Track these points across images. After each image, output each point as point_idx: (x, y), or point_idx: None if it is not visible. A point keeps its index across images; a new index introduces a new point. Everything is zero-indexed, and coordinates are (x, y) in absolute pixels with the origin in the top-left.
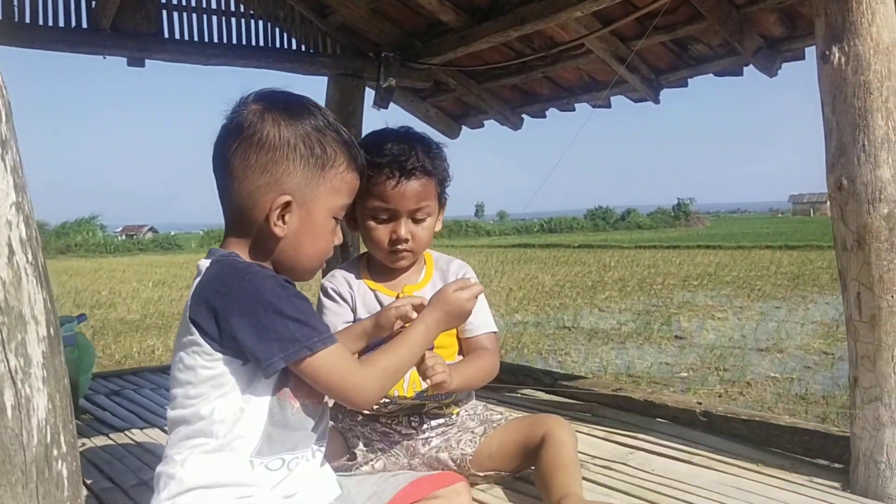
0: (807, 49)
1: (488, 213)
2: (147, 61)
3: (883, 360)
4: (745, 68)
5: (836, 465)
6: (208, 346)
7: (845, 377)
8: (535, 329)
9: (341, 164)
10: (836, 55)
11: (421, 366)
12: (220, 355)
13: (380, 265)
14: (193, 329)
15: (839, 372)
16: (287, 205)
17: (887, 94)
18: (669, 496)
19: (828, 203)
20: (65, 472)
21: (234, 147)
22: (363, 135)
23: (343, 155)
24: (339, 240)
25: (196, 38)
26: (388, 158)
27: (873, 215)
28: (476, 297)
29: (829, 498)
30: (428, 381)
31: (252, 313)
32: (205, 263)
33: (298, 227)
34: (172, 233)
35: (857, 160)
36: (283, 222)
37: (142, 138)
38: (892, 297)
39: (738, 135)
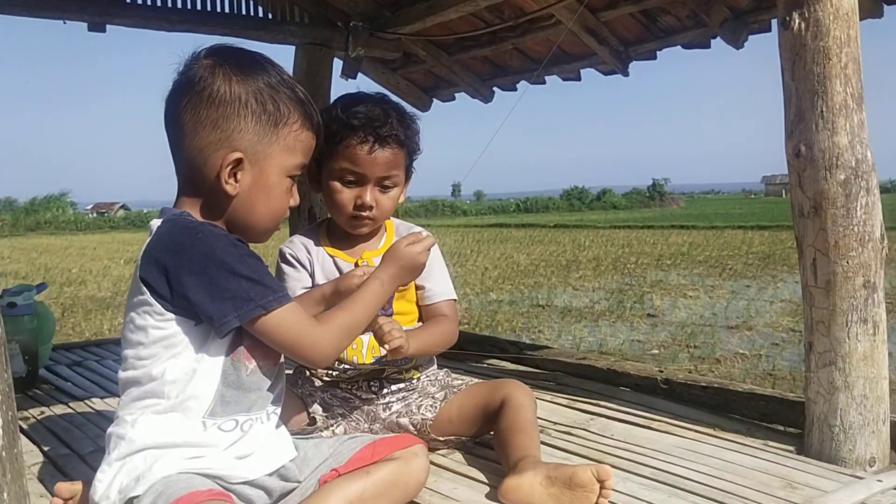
0: (773, 21)
1: (465, 193)
2: (108, 27)
3: (837, 325)
4: (712, 41)
5: (792, 430)
6: (159, 306)
7: None
8: (509, 307)
9: (295, 121)
10: (797, 21)
11: (378, 331)
12: (171, 315)
13: (339, 232)
14: (144, 289)
15: None
16: (238, 162)
17: (846, 60)
18: (627, 460)
19: None
20: None
21: (185, 103)
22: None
23: (297, 112)
24: (294, 201)
25: (159, 4)
26: (362, 122)
27: (830, 182)
28: (428, 250)
29: (783, 461)
30: (386, 346)
31: (204, 272)
32: (156, 223)
33: (251, 186)
34: (145, 210)
35: (815, 126)
36: (235, 180)
37: (112, 112)
38: (847, 262)
39: (713, 115)
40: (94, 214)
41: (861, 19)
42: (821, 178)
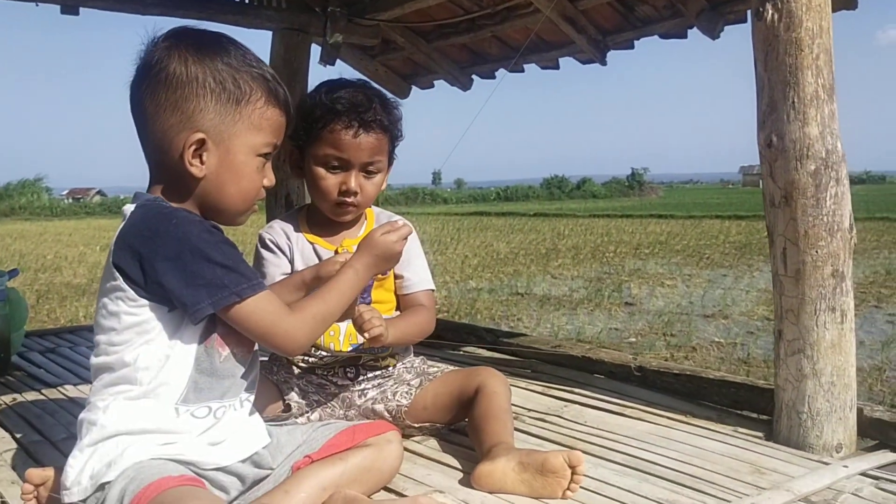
0: (749, 11)
1: (446, 181)
2: (82, 10)
3: (806, 313)
4: (689, 31)
5: (762, 417)
6: (132, 292)
7: None
8: (488, 295)
9: (259, 98)
10: (770, 12)
11: (358, 319)
12: (145, 301)
13: (320, 218)
14: (117, 274)
15: None
16: (202, 143)
17: (818, 51)
18: (600, 446)
19: None
20: None
21: (145, 87)
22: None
23: (261, 90)
24: (269, 181)
25: None
26: (346, 107)
27: (801, 172)
28: (405, 239)
29: (752, 447)
30: (366, 334)
31: (179, 258)
32: (129, 208)
33: (218, 167)
34: (121, 196)
35: (787, 117)
36: (201, 162)
37: (89, 96)
38: (817, 252)
39: (692, 106)
40: (70, 200)
41: (835, 10)
42: (791, 169)
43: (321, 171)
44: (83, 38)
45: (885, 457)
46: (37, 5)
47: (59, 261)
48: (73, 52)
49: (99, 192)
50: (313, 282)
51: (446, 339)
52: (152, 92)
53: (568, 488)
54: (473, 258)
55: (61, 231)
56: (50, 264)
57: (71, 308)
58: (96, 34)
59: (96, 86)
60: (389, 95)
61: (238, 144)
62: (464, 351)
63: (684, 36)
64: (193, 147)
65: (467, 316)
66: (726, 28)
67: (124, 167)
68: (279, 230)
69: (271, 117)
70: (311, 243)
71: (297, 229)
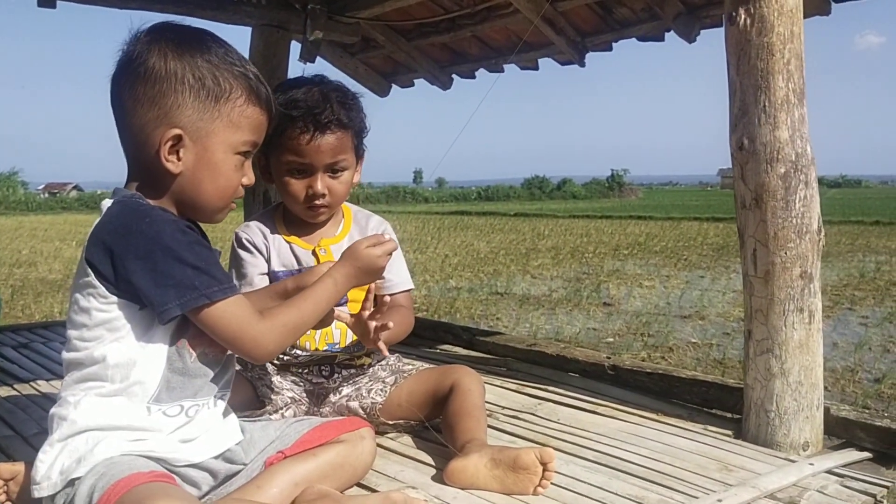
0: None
1: (427, 180)
2: (58, 3)
3: (775, 313)
4: (666, 34)
5: (732, 415)
6: (103, 289)
7: None
8: (468, 294)
9: (239, 96)
10: (743, 16)
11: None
12: (115, 298)
13: (296, 217)
14: (89, 270)
15: None
16: (178, 139)
17: (789, 56)
18: (572, 443)
19: None
20: None
21: (124, 81)
22: None
23: (241, 88)
24: (248, 180)
25: None
26: (301, 111)
27: (771, 175)
28: (389, 255)
29: (721, 445)
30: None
31: (149, 257)
32: (107, 203)
33: (196, 164)
34: (98, 191)
35: (758, 121)
36: (178, 158)
37: (66, 88)
38: (786, 253)
39: (671, 108)
40: (46, 195)
41: (808, 16)
42: (762, 171)
43: (287, 178)
44: (60, 29)
45: (850, 455)
46: None
47: (35, 256)
48: (50, 47)
49: (76, 188)
50: (295, 291)
51: (423, 337)
52: (131, 86)
53: (539, 485)
54: (454, 257)
55: (37, 226)
56: (25, 259)
57: (46, 304)
58: (73, 26)
59: (75, 80)
60: (349, 88)
61: (216, 142)
62: (440, 349)
63: (662, 39)
64: (170, 143)
65: (447, 315)
66: (704, 32)
67: (103, 163)
68: (256, 229)
69: (251, 115)
70: (289, 243)
71: (273, 230)
